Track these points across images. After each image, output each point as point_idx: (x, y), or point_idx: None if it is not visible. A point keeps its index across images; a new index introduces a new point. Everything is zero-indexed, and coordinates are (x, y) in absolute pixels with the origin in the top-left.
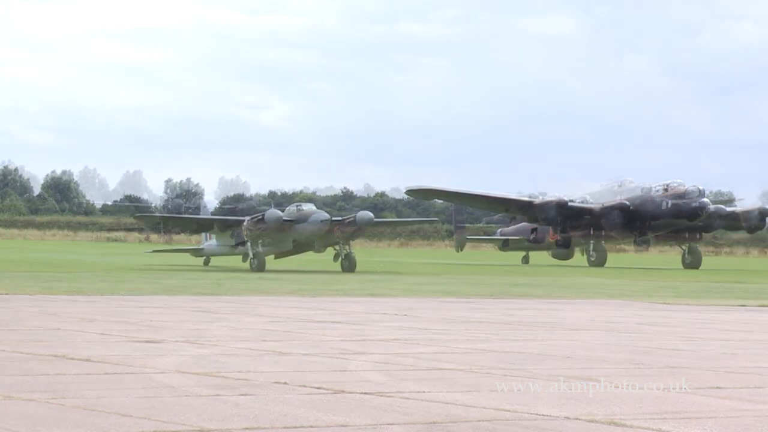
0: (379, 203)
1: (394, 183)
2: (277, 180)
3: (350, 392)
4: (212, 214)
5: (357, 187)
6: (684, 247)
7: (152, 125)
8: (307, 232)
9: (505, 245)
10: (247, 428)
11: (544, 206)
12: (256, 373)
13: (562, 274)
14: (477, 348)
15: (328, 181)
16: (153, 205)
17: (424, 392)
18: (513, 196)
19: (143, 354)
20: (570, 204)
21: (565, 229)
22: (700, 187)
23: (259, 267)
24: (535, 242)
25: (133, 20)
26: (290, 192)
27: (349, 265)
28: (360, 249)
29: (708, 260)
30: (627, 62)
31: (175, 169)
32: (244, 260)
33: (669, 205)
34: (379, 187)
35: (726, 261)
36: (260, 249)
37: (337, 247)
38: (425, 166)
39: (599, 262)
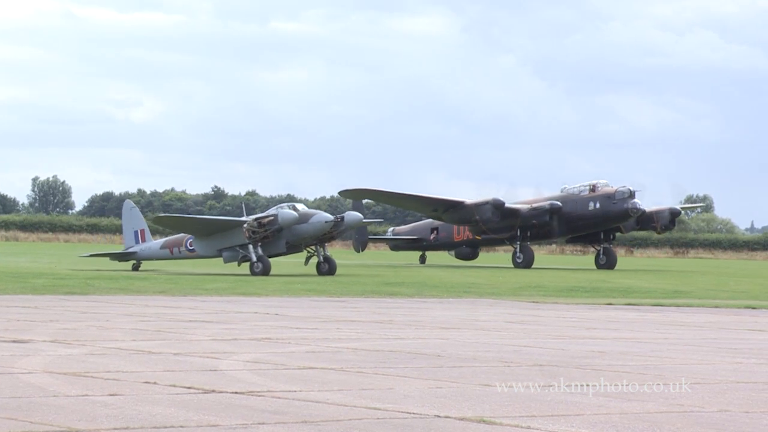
0: (250, 202)
1: (268, 182)
2: (147, 179)
3: (221, 392)
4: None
5: (229, 186)
6: (598, 248)
7: (20, 122)
8: (307, 233)
9: (397, 246)
10: (116, 428)
11: (481, 206)
12: (126, 372)
13: (442, 273)
14: (348, 347)
15: (199, 180)
16: (21, 203)
17: (295, 391)
18: (443, 196)
19: (10, 354)
20: (506, 205)
21: (497, 230)
22: (631, 188)
23: (264, 271)
24: (437, 242)
25: (2, 16)
26: (161, 191)
27: (329, 269)
28: None
29: (576, 259)
30: (498, 62)
31: (43, 167)
32: (239, 264)
33: (598, 205)
34: (252, 186)
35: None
36: (260, 252)
37: (311, 249)
38: (299, 165)
39: (526, 263)
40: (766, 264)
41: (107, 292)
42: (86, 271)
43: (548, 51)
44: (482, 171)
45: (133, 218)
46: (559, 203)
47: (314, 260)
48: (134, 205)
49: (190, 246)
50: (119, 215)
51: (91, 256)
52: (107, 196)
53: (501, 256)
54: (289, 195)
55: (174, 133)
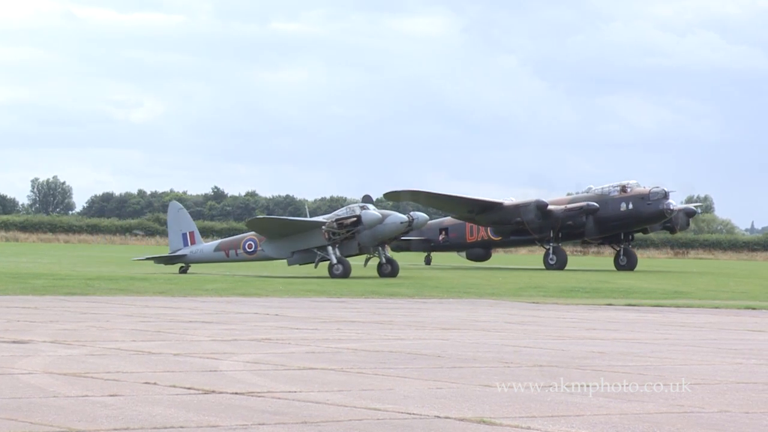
0: (250, 202)
1: (268, 182)
2: (147, 179)
3: (221, 392)
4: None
5: (229, 187)
6: (618, 248)
7: (20, 123)
8: (383, 234)
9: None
10: (116, 429)
11: (525, 207)
12: (126, 373)
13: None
14: (348, 348)
15: (199, 180)
16: (21, 204)
17: (295, 392)
18: (481, 197)
19: (10, 355)
20: (549, 206)
21: (539, 231)
22: (665, 189)
23: (345, 273)
24: (446, 243)
25: (2, 16)
26: (160, 192)
27: (392, 270)
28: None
29: (574, 260)
30: (498, 62)
31: (43, 167)
32: (316, 266)
33: (631, 206)
34: (252, 186)
35: (593, 261)
36: (338, 253)
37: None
38: (299, 165)
39: (560, 265)
40: (767, 264)
41: (107, 293)
42: (88, 270)
43: (549, 51)
44: (482, 171)
45: (180, 220)
46: (596, 204)
47: (374, 261)
48: (182, 206)
49: (249, 248)
50: (119, 216)
51: (147, 259)
52: (107, 197)
53: (503, 257)
54: (288, 195)
55: (174, 134)
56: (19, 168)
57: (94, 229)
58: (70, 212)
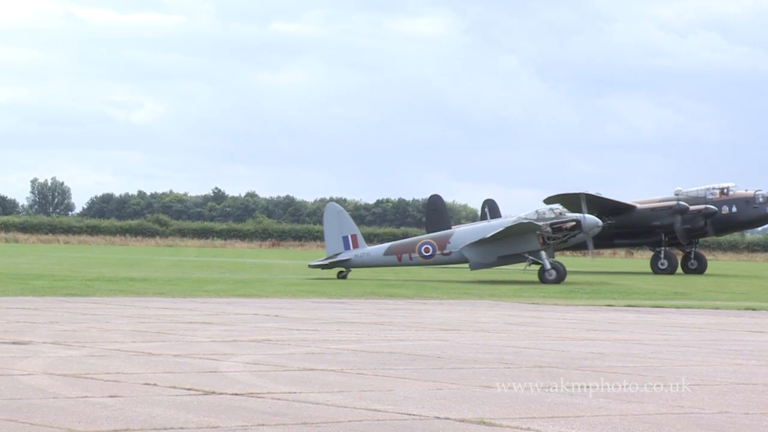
0: (250, 203)
1: (268, 183)
2: (147, 180)
3: (221, 393)
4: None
5: (229, 188)
6: (688, 251)
7: (20, 124)
8: (580, 238)
9: None
10: (116, 430)
11: (667, 211)
12: (126, 374)
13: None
14: (348, 348)
15: (199, 181)
16: (21, 204)
17: (295, 393)
18: (615, 198)
19: (10, 356)
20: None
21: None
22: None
23: (559, 278)
24: None
25: (2, 16)
26: (160, 192)
27: (558, 276)
28: (228, 250)
29: (574, 261)
30: (499, 63)
31: (43, 168)
32: (525, 270)
33: (734, 209)
34: (252, 187)
35: (592, 261)
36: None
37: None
38: (299, 166)
39: (671, 269)
40: (767, 265)
41: (107, 294)
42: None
43: (549, 52)
44: (482, 171)
45: (341, 222)
46: (713, 207)
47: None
48: (342, 208)
49: (426, 252)
50: (119, 217)
51: (322, 263)
52: (107, 198)
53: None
54: (288, 196)
55: (174, 135)
56: (18, 168)
57: (94, 230)
58: (70, 213)
